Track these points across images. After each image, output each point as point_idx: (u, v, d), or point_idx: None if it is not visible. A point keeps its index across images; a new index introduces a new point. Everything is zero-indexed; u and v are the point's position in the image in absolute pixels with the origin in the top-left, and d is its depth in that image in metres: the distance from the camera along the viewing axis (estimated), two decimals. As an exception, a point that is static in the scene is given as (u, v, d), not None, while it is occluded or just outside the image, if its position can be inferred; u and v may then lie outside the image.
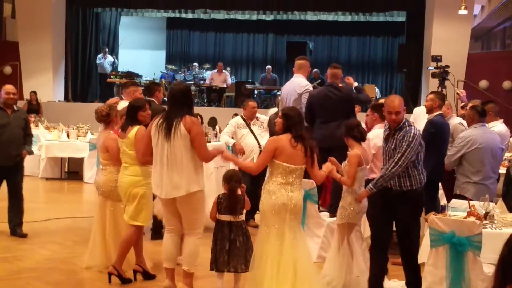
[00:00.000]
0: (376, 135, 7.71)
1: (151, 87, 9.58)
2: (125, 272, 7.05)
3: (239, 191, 6.75)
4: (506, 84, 21.38)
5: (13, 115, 9.06)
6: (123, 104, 8.32)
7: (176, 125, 6.19)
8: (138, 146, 6.85)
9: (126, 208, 7.04)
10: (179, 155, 6.19)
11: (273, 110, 10.72)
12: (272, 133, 9.88)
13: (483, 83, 21.28)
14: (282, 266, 6.13)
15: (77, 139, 15.57)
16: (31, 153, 9.51)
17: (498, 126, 9.14)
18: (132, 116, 7.07)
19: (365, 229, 7.69)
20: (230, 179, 6.72)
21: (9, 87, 9.08)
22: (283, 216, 6.20)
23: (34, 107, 20.17)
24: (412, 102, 20.33)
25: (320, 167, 6.51)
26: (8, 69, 22.99)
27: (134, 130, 6.93)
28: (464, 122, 9.21)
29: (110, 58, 23.65)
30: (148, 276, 7.17)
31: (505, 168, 9.64)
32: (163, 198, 6.37)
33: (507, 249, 3.28)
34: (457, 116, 10.12)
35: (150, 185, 6.90)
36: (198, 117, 8.46)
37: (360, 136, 7.01)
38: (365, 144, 7.36)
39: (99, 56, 23.58)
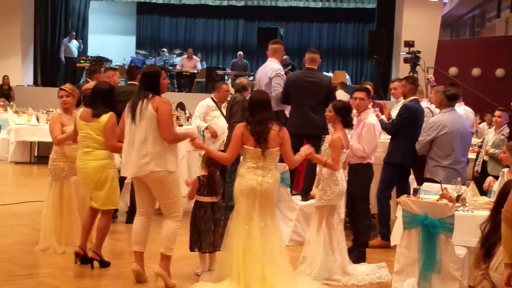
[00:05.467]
0: (377, 121, 7.79)
1: (134, 71, 9.50)
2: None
3: (217, 175, 6.88)
4: (475, 71, 21.55)
5: None
6: None
7: (141, 105, 6.18)
8: (110, 133, 6.79)
9: (95, 194, 6.91)
10: (144, 134, 6.17)
11: None
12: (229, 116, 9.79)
13: (453, 70, 21.43)
14: (250, 251, 6.16)
15: (47, 123, 15.38)
16: None
17: (458, 109, 9.11)
18: (105, 99, 6.96)
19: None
20: (209, 163, 6.81)
21: None
22: (252, 201, 6.21)
23: (5, 91, 19.96)
24: (382, 88, 20.44)
25: (295, 153, 6.52)
26: (-24, 53, 22.67)
27: (106, 116, 6.83)
28: (431, 107, 9.28)
29: (75, 42, 23.40)
30: (86, 260, 6.95)
31: (474, 154, 9.75)
32: (137, 179, 6.38)
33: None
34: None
35: (116, 167, 7.03)
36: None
37: (350, 122, 7.09)
38: (371, 130, 7.46)
39: (65, 39, 23.31)
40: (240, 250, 6.18)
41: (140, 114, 6.18)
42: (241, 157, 6.41)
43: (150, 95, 6.23)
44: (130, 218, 9.06)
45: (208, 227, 6.70)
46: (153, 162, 6.19)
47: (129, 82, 9.39)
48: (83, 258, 6.98)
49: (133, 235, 6.50)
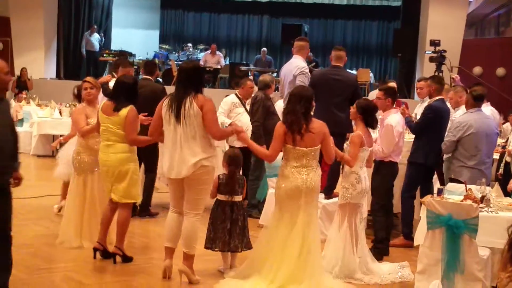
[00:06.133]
0: (397, 121, 7.74)
1: (151, 66, 9.57)
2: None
3: (238, 174, 6.86)
4: (499, 71, 21.38)
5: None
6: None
7: (186, 104, 6.12)
8: (130, 127, 6.82)
9: (115, 187, 6.93)
10: (192, 133, 6.13)
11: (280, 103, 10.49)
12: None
13: (477, 70, 21.28)
14: (288, 251, 6.15)
15: (70, 116, 15.44)
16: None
17: (485, 109, 9.05)
18: (127, 93, 6.97)
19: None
20: (230, 162, 6.78)
21: None
22: (297, 201, 6.20)
23: (23, 84, 20.03)
24: (406, 87, 20.34)
25: None
26: (-1, 45, 22.86)
27: (125, 110, 6.83)
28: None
29: (97, 35, 23.47)
30: (108, 255, 7.02)
31: (498, 154, 9.66)
32: (174, 178, 6.30)
33: None
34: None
35: (137, 161, 7.02)
36: None
37: (372, 123, 7.04)
38: (389, 131, 7.44)
39: (86, 33, 23.39)
40: (279, 248, 6.18)
41: (185, 113, 6.13)
42: (282, 157, 6.38)
43: (193, 93, 6.19)
44: (142, 212, 9.18)
45: (224, 226, 6.68)
46: (203, 158, 6.17)
47: (144, 77, 9.47)
48: (104, 253, 7.03)
49: (167, 232, 6.49)
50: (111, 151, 6.91)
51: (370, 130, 7.16)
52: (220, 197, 6.75)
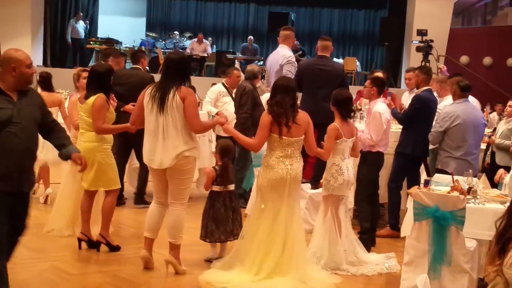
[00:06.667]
0: (385, 109, 7.75)
1: (137, 55, 9.56)
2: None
3: (231, 164, 6.96)
4: (486, 60, 21.40)
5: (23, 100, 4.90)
6: None
7: (169, 95, 6.11)
8: (96, 114, 6.80)
9: (85, 175, 6.91)
10: (174, 125, 6.12)
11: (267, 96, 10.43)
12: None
13: (464, 59, 21.30)
14: (272, 243, 6.17)
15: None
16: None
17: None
18: (98, 82, 6.95)
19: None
20: (224, 154, 6.84)
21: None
22: (281, 192, 6.22)
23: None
24: (392, 76, 20.35)
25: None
26: (-16, 32, 22.53)
27: (93, 98, 6.83)
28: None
29: (82, 23, 23.27)
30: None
31: (485, 144, 9.68)
32: (156, 169, 6.31)
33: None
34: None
35: (108, 150, 6.98)
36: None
37: (346, 113, 7.00)
38: (377, 118, 7.41)
39: (72, 20, 23.18)
40: (263, 239, 6.20)
41: (168, 104, 6.11)
42: (266, 146, 6.39)
43: (178, 84, 6.18)
44: (137, 200, 9.16)
45: (227, 215, 6.75)
46: (185, 148, 6.16)
47: (133, 66, 9.45)
48: (89, 243, 7.02)
49: (148, 222, 6.49)
50: (82, 140, 6.95)
51: (358, 121, 7.15)
52: (217, 188, 6.79)
